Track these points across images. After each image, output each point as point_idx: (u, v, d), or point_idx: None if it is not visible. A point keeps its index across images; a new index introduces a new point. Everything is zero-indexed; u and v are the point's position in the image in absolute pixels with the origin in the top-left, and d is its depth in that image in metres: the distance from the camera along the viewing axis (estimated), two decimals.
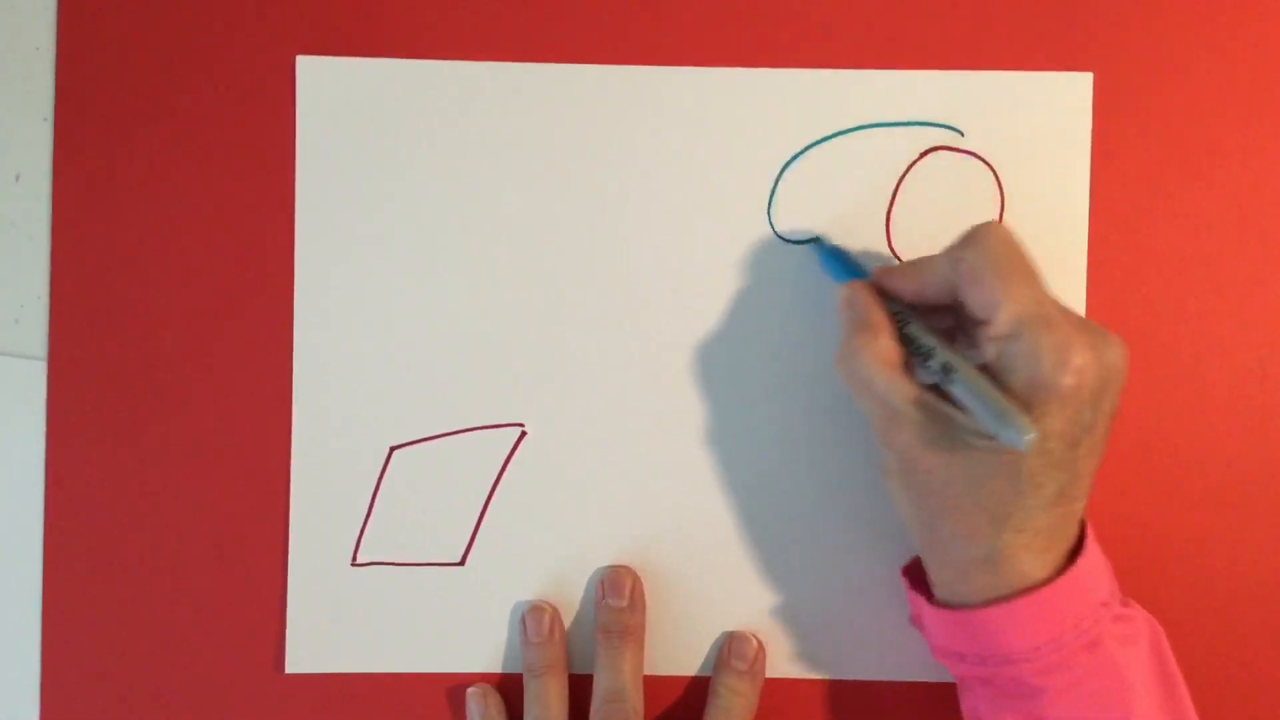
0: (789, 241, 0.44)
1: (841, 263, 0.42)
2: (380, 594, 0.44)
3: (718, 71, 0.44)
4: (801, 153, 0.44)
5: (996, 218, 0.44)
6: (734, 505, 0.44)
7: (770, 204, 0.44)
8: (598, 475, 0.44)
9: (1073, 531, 0.37)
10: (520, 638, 0.44)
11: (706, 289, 0.44)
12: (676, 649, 0.45)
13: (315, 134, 0.44)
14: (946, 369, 0.37)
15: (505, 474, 0.44)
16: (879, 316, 0.39)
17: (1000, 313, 0.36)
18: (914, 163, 0.44)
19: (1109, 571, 0.39)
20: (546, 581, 0.45)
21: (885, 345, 0.38)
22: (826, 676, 0.45)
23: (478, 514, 0.44)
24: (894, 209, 0.44)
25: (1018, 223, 0.44)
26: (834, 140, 0.44)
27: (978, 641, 0.37)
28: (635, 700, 0.42)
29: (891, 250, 0.44)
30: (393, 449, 0.44)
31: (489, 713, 0.43)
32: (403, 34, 0.44)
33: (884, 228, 0.44)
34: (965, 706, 0.40)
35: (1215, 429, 0.44)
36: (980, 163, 0.44)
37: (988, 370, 0.36)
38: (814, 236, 0.44)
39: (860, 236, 0.44)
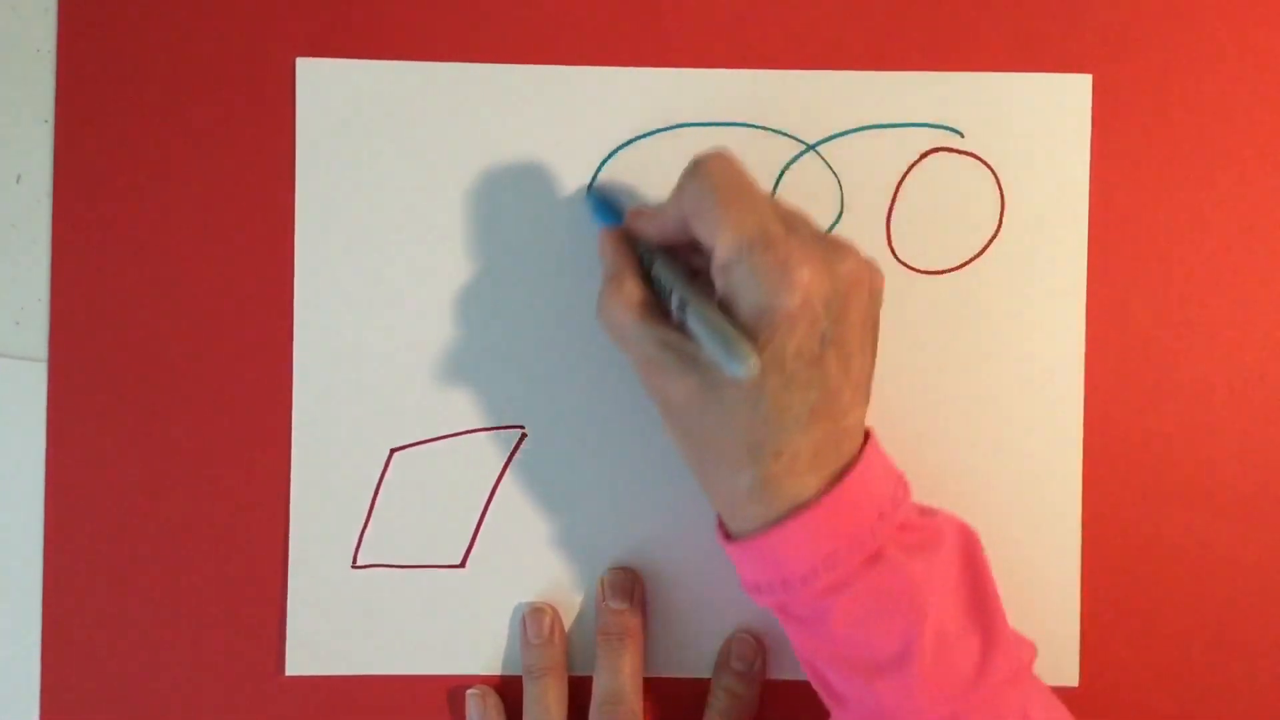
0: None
1: (607, 210, 0.42)
2: (380, 596, 0.44)
3: (719, 73, 0.44)
4: (802, 154, 0.44)
5: (997, 219, 0.44)
6: None
7: None
8: (598, 477, 0.44)
9: (846, 448, 0.36)
10: (520, 639, 0.44)
11: None
12: (676, 651, 0.45)
13: (315, 136, 0.44)
14: (682, 305, 0.36)
15: (506, 476, 0.44)
16: (624, 261, 0.39)
17: (720, 241, 0.35)
18: (914, 164, 0.44)
19: (894, 482, 0.38)
20: (546, 583, 0.45)
21: (630, 289, 0.38)
22: None
23: (478, 516, 0.44)
24: (894, 210, 0.44)
25: (1017, 224, 0.44)
26: (834, 141, 0.44)
27: (764, 569, 0.37)
28: (635, 702, 0.42)
29: (892, 251, 0.44)
30: (393, 451, 0.44)
31: (488, 714, 0.43)
32: (402, 36, 0.44)
33: (884, 229, 0.44)
34: (792, 644, 0.39)
35: (1215, 429, 0.44)
36: (980, 164, 0.44)
37: (722, 303, 0.36)
38: (589, 188, 0.44)
39: (861, 238, 0.44)
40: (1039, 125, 0.44)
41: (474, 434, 0.44)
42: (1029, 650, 0.38)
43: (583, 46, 0.44)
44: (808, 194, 0.44)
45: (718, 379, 0.35)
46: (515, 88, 0.44)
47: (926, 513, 0.39)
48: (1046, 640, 0.44)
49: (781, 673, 0.44)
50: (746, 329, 0.34)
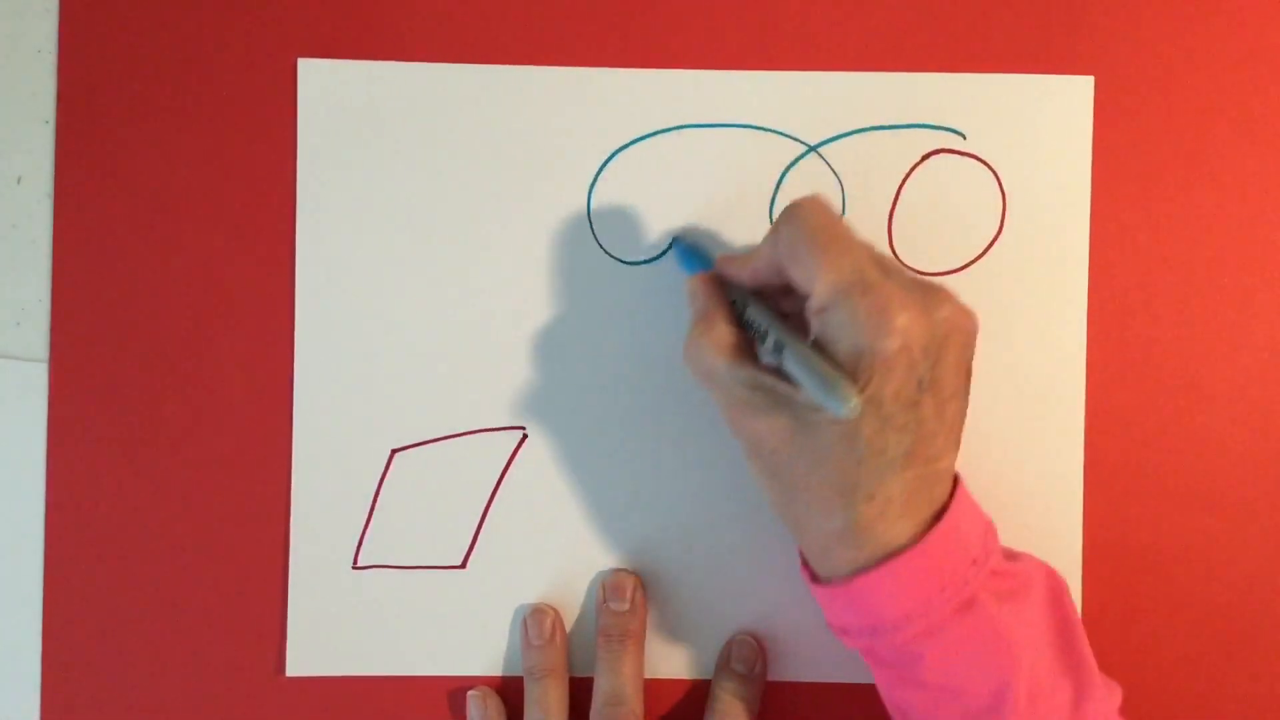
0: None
1: (694, 257, 0.42)
2: (381, 597, 0.44)
3: (720, 74, 0.44)
4: (803, 155, 0.44)
5: (998, 220, 0.44)
6: (735, 508, 0.44)
7: (772, 206, 0.44)
8: (599, 478, 0.44)
9: (938, 493, 0.37)
10: (521, 640, 0.44)
11: None
12: (677, 652, 0.45)
13: (316, 137, 0.44)
14: (778, 346, 0.36)
15: (506, 477, 0.44)
16: (715, 304, 0.39)
17: (817, 284, 0.35)
18: (916, 165, 0.44)
19: (983, 528, 0.38)
20: (547, 584, 0.45)
21: (721, 331, 0.38)
22: (828, 680, 0.44)
23: (479, 517, 0.44)
24: (896, 211, 0.44)
25: (1019, 225, 0.44)
26: (836, 142, 0.44)
27: (854, 614, 0.37)
28: (635, 704, 0.42)
29: (893, 252, 0.44)
30: (394, 452, 0.44)
31: (489, 715, 0.43)
32: (403, 37, 0.44)
33: (886, 230, 0.44)
34: (877, 683, 0.40)
35: (1217, 430, 0.44)
36: (982, 165, 0.44)
37: (817, 344, 0.36)
38: (673, 237, 0.44)
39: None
40: (1041, 127, 0.44)
41: (475, 435, 0.44)
42: (1118, 695, 0.39)
43: (584, 47, 0.44)
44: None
45: (812, 420, 0.35)
46: (517, 89, 0.44)
47: (1014, 557, 0.39)
48: None
49: (782, 674, 0.44)
50: (844, 371, 0.35)
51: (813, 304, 0.36)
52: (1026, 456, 0.44)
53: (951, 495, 0.37)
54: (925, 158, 0.44)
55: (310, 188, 0.44)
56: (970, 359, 0.37)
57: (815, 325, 0.36)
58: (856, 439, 0.35)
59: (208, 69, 0.44)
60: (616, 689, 0.42)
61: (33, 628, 0.44)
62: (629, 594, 0.43)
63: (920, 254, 0.44)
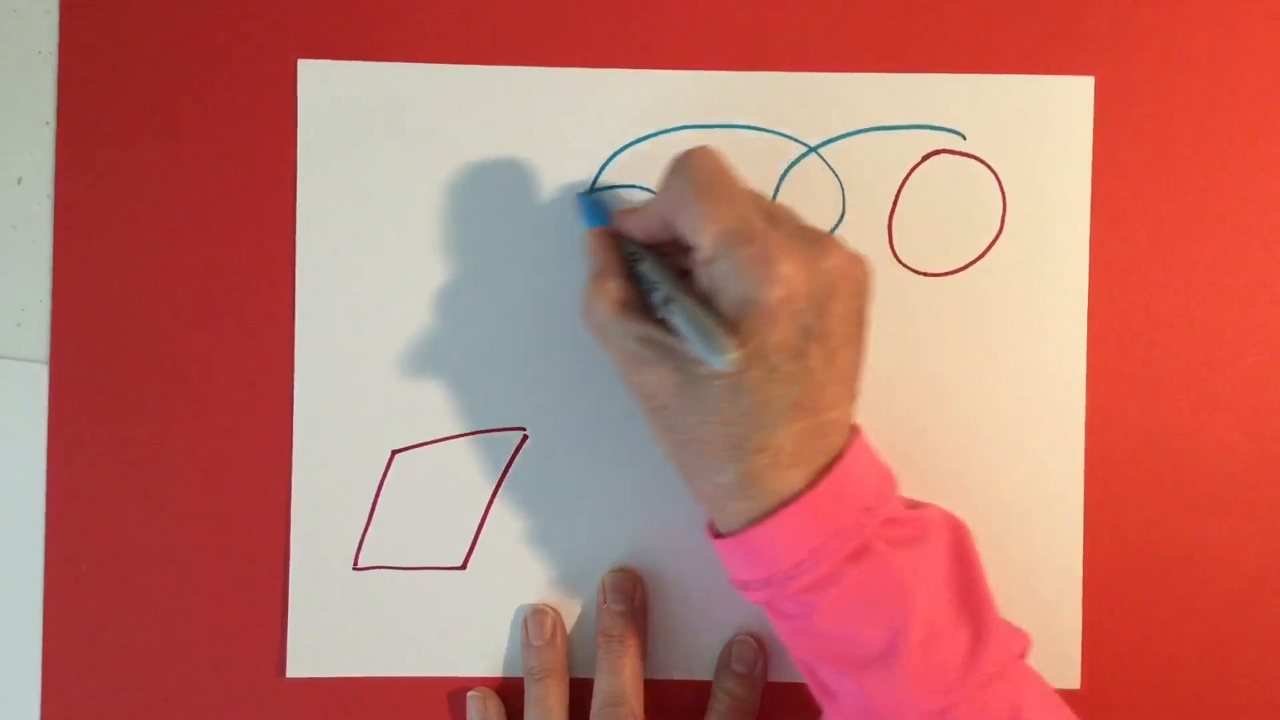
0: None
1: (595, 212, 0.42)
2: (381, 598, 0.44)
3: (721, 75, 0.44)
4: (803, 156, 0.44)
5: (999, 221, 0.44)
6: None
7: None
8: (599, 478, 0.44)
9: (831, 442, 0.36)
10: (521, 641, 0.44)
11: None
12: (677, 653, 0.45)
13: (316, 137, 0.44)
14: (666, 300, 0.36)
15: (507, 478, 0.44)
16: (609, 260, 0.39)
17: (702, 235, 0.35)
18: (916, 166, 0.44)
19: (879, 476, 0.37)
20: (548, 585, 0.45)
21: (614, 287, 0.38)
22: None
23: (479, 518, 0.44)
24: (896, 212, 0.44)
25: (1020, 226, 0.44)
26: (836, 143, 0.44)
27: (750, 566, 0.37)
28: (635, 704, 0.42)
29: (894, 253, 0.44)
30: (394, 453, 0.44)
31: (489, 716, 0.43)
32: (404, 38, 0.44)
33: (886, 231, 0.44)
34: (781, 638, 0.39)
35: (1217, 431, 0.44)
36: (982, 166, 0.44)
37: (705, 297, 0.35)
38: (577, 193, 0.44)
39: (863, 240, 0.44)
40: (1041, 127, 0.44)
41: (475, 436, 0.44)
42: (1021, 641, 0.38)
43: (585, 49, 0.44)
44: (809, 196, 0.44)
45: (700, 373, 0.35)
46: (517, 90, 0.44)
47: (914, 506, 0.39)
48: (1048, 642, 0.44)
49: (783, 675, 0.44)
50: (729, 323, 0.34)
51: (698, 255, 0.35)
52: (1027, 456, 0.44)
53: (848, 445, 0.37)
54: (925, 158, 0.44)
55: (310, 188, 0.44)
56: (863, 307, 0.37)
57: (702, 277, 0.35)
58: (741, 391, 0.35)
59: (208, 70, 0.44)
60: (616, 689, 0.42)
61: (33, 628, 0.44)
62: (629, 594, 0.43)
63: (920, 254, 0.44)
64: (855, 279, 0.36)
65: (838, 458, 0.36)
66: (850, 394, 0.37)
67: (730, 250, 0.34)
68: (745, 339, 0.34)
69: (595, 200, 0.43)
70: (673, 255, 0.39)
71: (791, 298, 0.34)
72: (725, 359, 0.33)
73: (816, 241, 0.36)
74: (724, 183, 0.36)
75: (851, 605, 0.36)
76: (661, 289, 0.37)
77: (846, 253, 0.36)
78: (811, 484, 0.36)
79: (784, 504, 0.35)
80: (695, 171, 0.36)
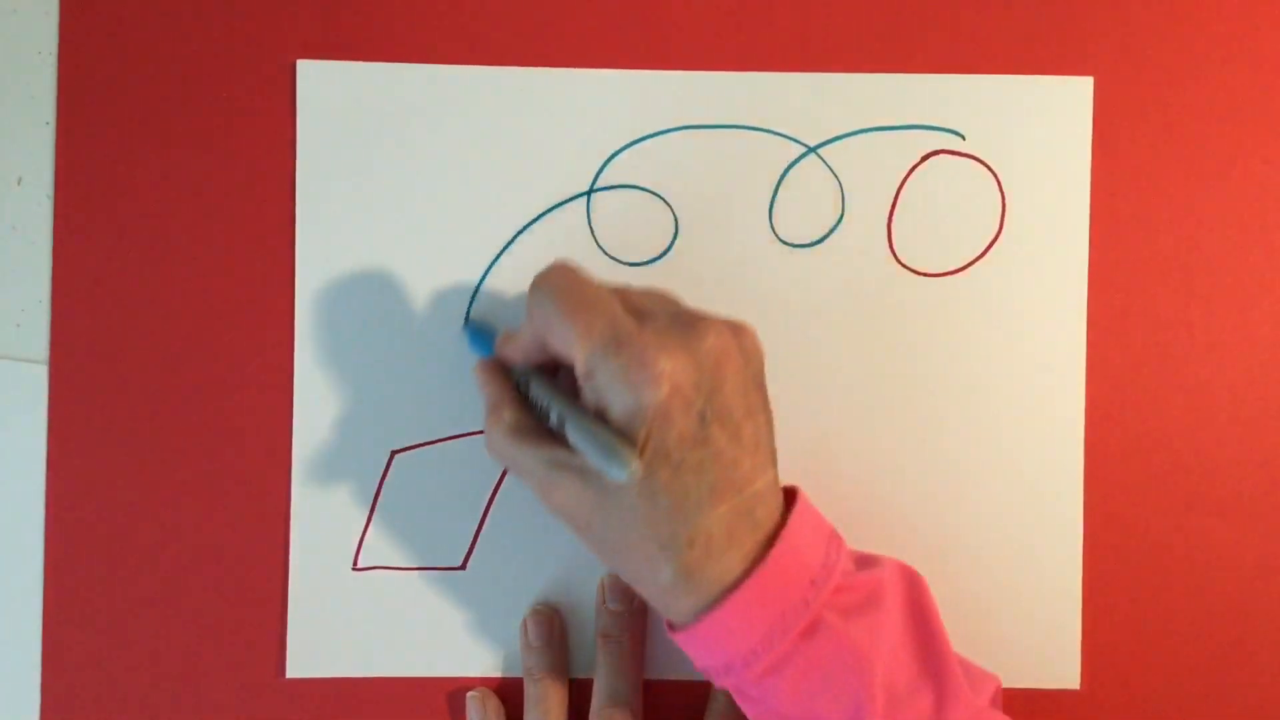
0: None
1: (482, 340, 0.42)
2: (381, 598, 0.44)
3: (721, 75, 0.44)
4: (803, 156, 0.44)
5: (998, 221, 0.44)
6: None
7: (771, 208, 0.44)
8: None
9: (761, 515, 0.35)
10: (521, 641, 0.44)
11: (708, 291, 0.44)
12: (677, 652, 0.44)
13: (316, 138, 0.44)
14: (561, 420, 0.36)
15: (507, 478, 0.44)
16: (499, 389, 0.39)
17: (575, 352, 0.35)
18: (915, 166, 0.44)
19: (824, 541, 0.37)
20: (547, 586, 0.45)
21: (509, 416, 0.38)
22: None
23: (479, 518, 0.44)
24: (895, 213, 0.44)
25: (1019, 226, 0.44)
26: (835, 144, 0.44)
27: (708, 655, 0.36)
28: (635, 705, 0.42)
29: (893, 253, 0.44)
30: (394, 453, 0.44)
31: (489, 716, 0.43)
32: (403, 38, 0.44)
33: (885, 231, 0.44)
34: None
35: (1217, 431, 0.44)
36: (981, 166, 0.44)
37: (595, 411, 0.35)
38: (467, 319, 0.44)
39: (861, 240, 0.44)
40: (1040, 128, 0.44)
41: (475, 436, 0.44)
42: (989, 686, 0.38)
43: (584, 49, 0.44)
44: (808, 196, 0.44)
45: (612, 485, 0.35)
46: (516, 90, 0.44)
47: (866, 563, 0.38)
48: (1048, 642, 0.44)
49: None
50: (623, 430, 0.34)
51: (578, 372, 0.35)
52: (1026, 457, 0.44)
53: (785, 516, 0.36)
54: (925, 158, 0.44)
55: (309, 189, 0.44)
56: (757, 374, 0.37)
57: (587, 392, 0.35)
58: (656, 493, 0.34)
59: (207, 70, 0.44)
60: (616, 690, 0.42)
61: (33, 628, 0.44)
62: (629, 595, 0.43)
63: (920, 255, 0.44)
64: (740, 350, 0.36)
65: (776, 533, 0.35)
66: (767, 460, 0.36)
67: (606, 361, 0.34)
68: (643, 445, 0.34)
69: (478, 328, 0.43)
70: (562, 372, 0.39)
71: (678, 390, 0.34)
72: (627, 470, 0.33)
73: (691, 326, 0.35)
74: (585, 295, 0.36)
75: (811, 684, 0.35)
76: (553, 410, 0.37)
77: (724, 326, 0.36)
78: (752, 566, 0.35)
79: (727, 592, 0.35)
80: (554, 290, 0.36)
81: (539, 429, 0.38)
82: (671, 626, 0.37)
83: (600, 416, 0.35)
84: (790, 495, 0.37)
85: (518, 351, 0.39)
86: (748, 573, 0.35)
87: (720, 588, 0.35)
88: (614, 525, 0.35)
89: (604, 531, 0.36)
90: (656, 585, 0.36)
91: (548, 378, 0.39)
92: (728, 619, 0.35)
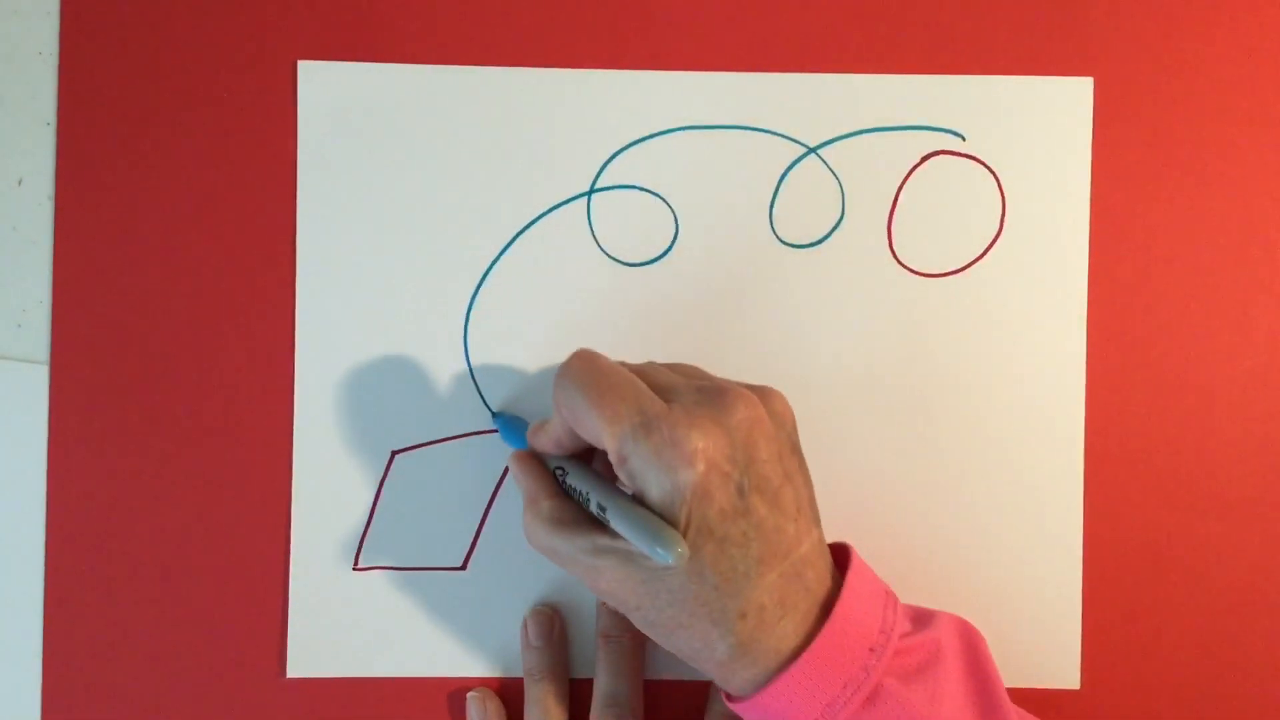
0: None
1: (514, 431, 0.42)
2: (381, 598, 0.44)
3: (720, 76, 0.44)
4: (803, 157, 0.44)
5: (998, 222, 0.44)
6: None
7: (771, 208, 0.44)
8: None
9: (811, 578, 0.35)
10: (521, 642, 0.44)
11: (710, 291, 0.44)
12: None
13: (317, 139, 0.44)
14: (602, 509, 0.36)
15: (507, 478, 0.44)
16: (535, 481, 0.39)
17: (606, 439, 0.34)
18: (915, 167, 0.44)
19: (880, 604, 0.36)
20: (548, 586, 0.45)
21: (548, 508, 0.38)
22: None
23: (479, 518, 0.44)
24: (895, 213, 0.44)
25: (1019, 226, 0.44)
26: (836, 144, 0.44)
27: None
28: (635, 705, 0.42)
29: (893, 254, 0.44)
30: (394, 453, 0.44)
31: (489, 716, 0.43)
32: (404, 39, 0.44)
33: (885, 232, 0.44)
34: None
35: (1217, 432, 0.44)
36: (982, 167, 0.44)
37: (634, 495, 0.35)
38: (495, 412, 0.44)
39: (862, 241, 0.44)
40: (1040, 128, 0.44)
41: (475, 436, 0.44)
42: None
43: (584, 49, 0.44)
44: (808, 197, 0.44)
45: (656, 567, 0.34)
46: (516, 91, 0.44)
47: (921, 620, 0.38)
48: (1048, 643, 0.44)
49: None
50: (663, 512, 0.34)
51: (611, 459, 0.35)
52: (1026, 457, 0.44)
53: (844, 578, 0.36)
54: (925, 159, 0.44)
55: (310, 189, 0.44)
56: (790, 437, 0.37)
57: (623, 477, 0.35)
58: (703, 570, 0.34)
59: (208, 71, 0.44)
60: (616, 690, 0.42)
61: (33, 628, 0.44)
62: None
63: (920, 255, 0.44)
64: (771, 416, 0.36)
65: (829, 597, 0.35)
66: (810, 522, 0.36)
67: (637, 445, 0.34)
68: (685, 525, 0.33)
69: (508, 421, 0.43)
70: (594, 456, 0.39)
71: (714, 466, 0.34)
72: (674, 554, 0.33)
73: (720, 398, 0.35)
74: (608, 381, 0.35)
75: None
76: (593, 499, 0.36)
77: (752, 395, 0.36)
78: (809, 635, 0.35)
79: (786, 663, 0.34)
80: (577, 380, 0.36)
81: (579, 516, 0.37)
82: (729, 696, 0.37)
83: (639, 500, 0.35)
84: (841, 553, 0.37)
85: (550, 441, 0.39)
86: (805, 642, 0.35)
87: (778, 659, 0.35)
88: (664, 605, 0.35)
89: (654, 613, 0.35)
90: (713, 660, 0.35)
91: (583, 464, 0.38)
92: (788, 690, 0.34)
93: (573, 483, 0.38)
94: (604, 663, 0.43)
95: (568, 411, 0.36)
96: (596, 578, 0.36)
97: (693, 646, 0.36)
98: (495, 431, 0.44)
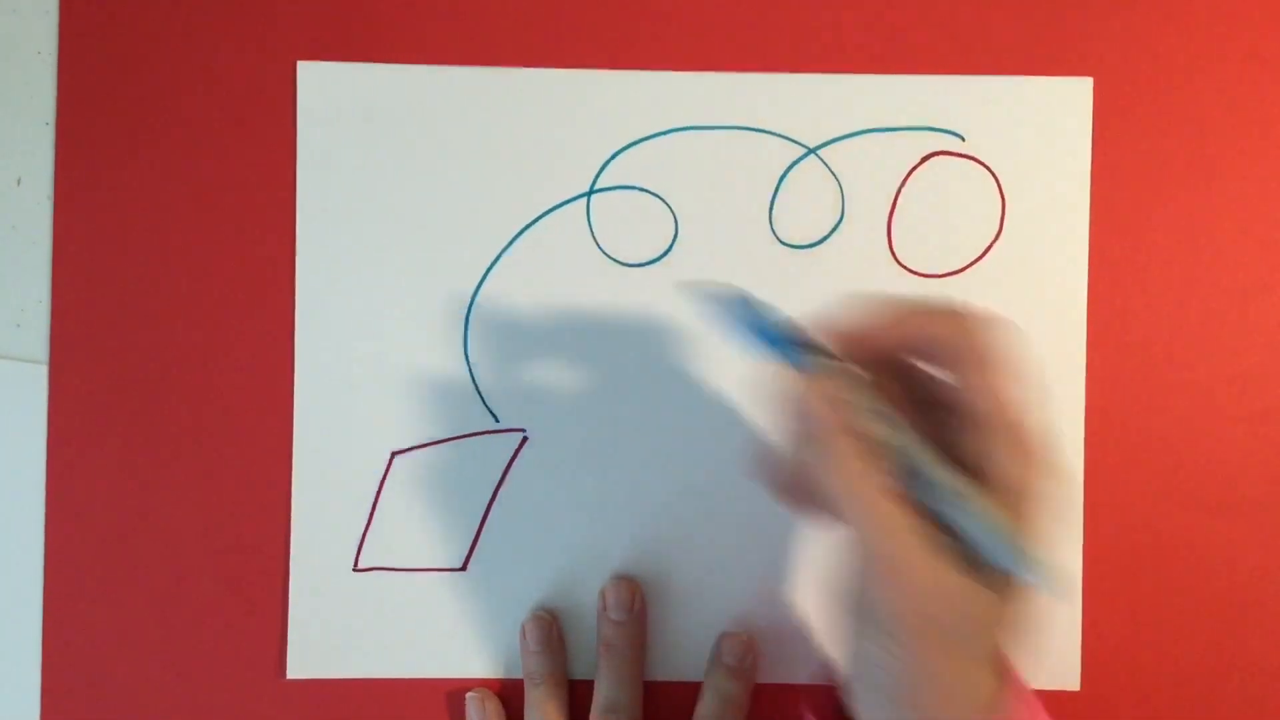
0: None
1: (784, 340, 0.32)
2: (381, 599, 0.44)
3: (720, 76, 0.44)
4: (802, 157, 0.44)
5: (998, 222, 0.44)
6: (736, 511, 0.44)
7: (771, 209, 0.44)
8: (599, 481, 0.44)
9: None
10: (520, 645, 0.44)
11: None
12: (677, 655, 0.45)
13: (316, 139, 0.44)
14: (950, 496, 0.30)
15: (507, 479, 0.44)
16: (842, 418, 0.31)
17: (994, 409, 0.29)
18: (915, 167, 0.44)
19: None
20: (548, 587, 0.45)
21: (878, 473, 0.31)
22: (829, 682, 0.44)
23: (479, 519, 0.44)
24: (895, 214, 0.44)
25: (1019, 227, 0.44)
26: (835, 145, 0.44)
27: None
28: (634, 711, 0.42)
29: (893, 254, 0.44)
30: (394, 454, 0.44)
31: (488, 717, 0.43)
32: (404, 39, 0.44)
33: (885, 232, 0.44)
34: None
35: (1217, 432, 0.44)
36: (981, 167, 0.44)
37: (976, 474, 0.30)
38: (738, 295, 0.34)
39: (862, 241, 0.44)
40: (1040, 128, 0.44)
41: (475, 437, 0.44)
42: None
43: (583, 50, 0.44)
44: (808, 197, 0.44)
45: (995, 580, 0.30)
46: (515, 91, 0.44)
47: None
48: (1048, 643, 0.44)
49: (773, 676, 0.44)
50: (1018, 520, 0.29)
51: (971, 420, 0.30)
52: None
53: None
54: (924, 160, 0.44)
55: (310, 190, 0.44)
56: None
57: (974, 444, 0.30)
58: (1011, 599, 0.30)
59: (207, 71, 0.44)
60: (616, 697, 0.42)
61: (33, 628, 0.44)
62: (628, 604, 0.43)
63: (920, 255, 0.44)
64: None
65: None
66: None
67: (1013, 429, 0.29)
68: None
69: (781, 330, 0.33)
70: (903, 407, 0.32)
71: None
72: (1059, 584, 0.28)
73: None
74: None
75: None
76: (935, 477, 0.30)
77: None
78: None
79: None
80: (996, 350, 0.30)
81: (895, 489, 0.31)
82: None
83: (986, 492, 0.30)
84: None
85: (891, 335, 0.31)
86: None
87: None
88: (965, 623, 0.30)
89: (946, 629, 0.30)
90: (954, 709, 0.30)
91: (912, 422, 0.32)
92: None
93: (901, 442, 0.31)
94: (605, 670, 0.43)
95: (967, 357, 0.30)
96: (900, 570, 0.29)
97: (948, 685, 0.30)
98: (495, 432, 0.44)
